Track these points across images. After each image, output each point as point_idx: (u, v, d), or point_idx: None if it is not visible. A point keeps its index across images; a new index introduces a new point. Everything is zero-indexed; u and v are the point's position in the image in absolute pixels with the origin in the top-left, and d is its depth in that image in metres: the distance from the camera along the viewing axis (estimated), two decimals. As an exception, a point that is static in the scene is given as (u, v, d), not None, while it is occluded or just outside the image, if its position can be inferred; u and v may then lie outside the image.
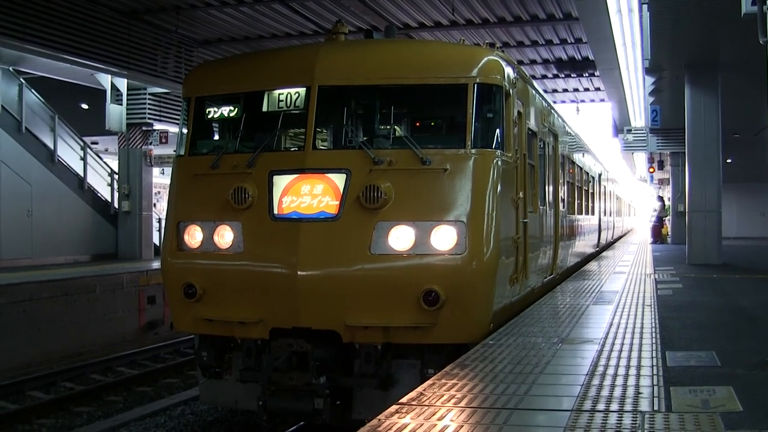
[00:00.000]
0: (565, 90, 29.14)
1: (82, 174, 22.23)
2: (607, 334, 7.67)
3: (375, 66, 8.06)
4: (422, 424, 4.49)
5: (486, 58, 8.04)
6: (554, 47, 22.56)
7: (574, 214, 15.09)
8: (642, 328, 8.11)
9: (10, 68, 19.96)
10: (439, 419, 4.59)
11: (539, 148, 10.55)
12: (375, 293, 7.31)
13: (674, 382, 5.58)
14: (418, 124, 8.46)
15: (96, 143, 26.43)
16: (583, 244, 17.13)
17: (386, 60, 8.18)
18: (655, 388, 5.37)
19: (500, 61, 8.18)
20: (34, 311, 14.39)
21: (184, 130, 8.56)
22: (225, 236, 7.81)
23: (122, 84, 21.40)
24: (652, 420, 4.54)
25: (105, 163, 24.05)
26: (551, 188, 11.78)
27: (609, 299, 10.59)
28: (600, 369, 6.00)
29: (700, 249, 18.81)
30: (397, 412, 4.77)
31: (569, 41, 21.90)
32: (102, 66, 18.60)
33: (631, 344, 7.11)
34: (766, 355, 6.59)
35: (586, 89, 29.06)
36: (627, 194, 48.56)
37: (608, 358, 6.42)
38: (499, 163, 7.78)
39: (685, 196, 21.06)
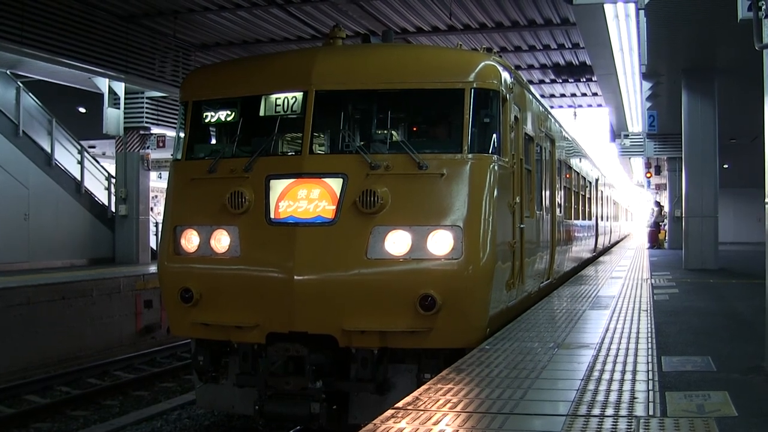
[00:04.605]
0: (563, 95, 29.19)
1: (79, 178, 22.20)
2: (603, 339, 7.69)
3: (372, 71, 8.08)
4: (418, 429, 4.49)
5: (483, 63, 8.06)
6: (552, 52, 22.60)
7: (570, 219, 15.11)
8: (638, 333, 8.12)
9: (8, 71, 19.95)
10: (435, 424, 4.60)
11: (536, 153, 10.57)
12: (371, 298, 7.31)
13: (670, 387, 5.60)
14: (415, 128, 8.48)
15: (93, 147, 26.43)
16: (580, 249, 17.14)
17: (383, 65, 8.19)
18: (651, 393, 5.38)
19: (497, 66, 8.19)
20: (31, 315, 14.37)
21: (182, 134, 8.56)
22: (222, 241, 7.82)
23: (120, 88, 21.38)
24: (648, 425, 4.56)
25: (102, 166, 24.02)
26: (548, 193, 11.80)
27: (605, 304, 10.60)
28: (596, 374, 6.01)
29: (696, 254, 18.83)
30: (392, 416, 4.77)
31: (567, 46, 21.94)
32: (100, 70, 18.59)
33: (627, 349, 7.12)
34: (761, 360, 6.61)
35: (584, 94, 29.10)
36: (624, 199, 48.60)
37: (604, 363, 6.43)
38: (496, 168, 7.80)
39: (682, 201, 21.09)
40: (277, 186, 7.59)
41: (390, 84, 7.92)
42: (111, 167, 23.88)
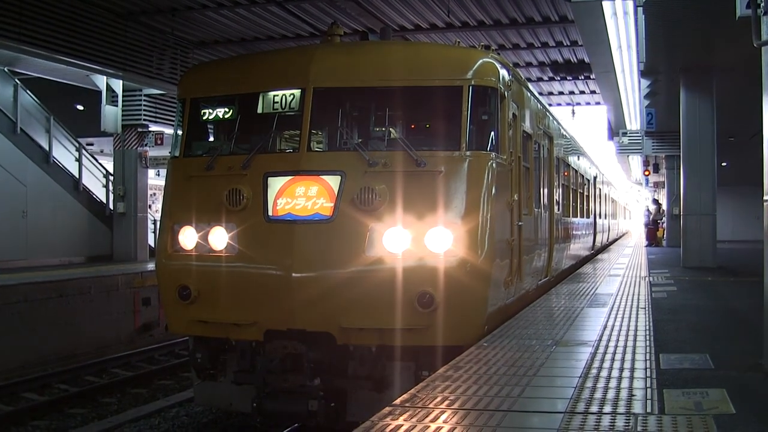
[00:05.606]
0: (561, 93, 29.19)
1: (77, 175, 22.18)
2: (602, 336, 7.69)
3: (370, 68, 8.07)
4: (415, 426, 4.49)
5: (481, 61, 8.05)
6: (550, 50, 22.60)
7: (569, 216, 15.11)
8: (636, 330, 8.12)
9: (6, 69, 19.92)
10: (433, 421, 4.59)
11: (534, 151, 10.56)
12: (369, 295, 7.31)
13: (667, 385, 5.59)
14: (413, 126, 8.47)
15: (91, 144, 26.38)
16: (578, 247, 17.15)
17: (381, 62, 8.18)
18: (649, 390, 5.38)
19: (495, 63, 8.19)
20: (29, 312, 14.35)
21: (179, 132, 8.56)
22: (220, 238, 7.81)
23: (118, 85, 21.37)
24: (645, 422, 4.55)
25: (100, 164, 24.00)
26: (546, 191, 11.79)
27: (603, 302, 10.60)
28: (594, 371, 6.01)
29: (694, 252, 18.81)
30: (390, 413, 4.77)
31: (565, 44, 21.93)
32: (98, 67, 18.58)
33: (625, 347, 7.13)
34: (759, 357, 6.60)
35: (582, 92, 29.11)
36: (622, 197, 48.61)
37: (602, 361, 6.43)
38: (494, 165, 7.79)
39: (680, 199, 21.09)
40: (275, 183, 7.59)
41: (388, 81, 7.92)
42: (109, 164, 23.87)
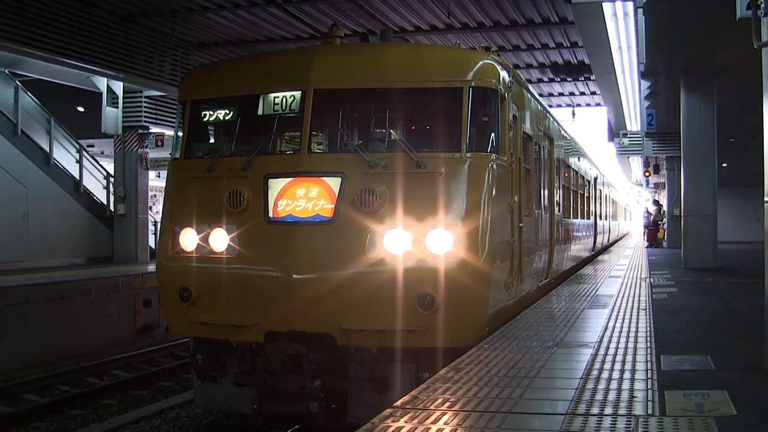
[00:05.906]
0: (561, 94, 29.19)
1: (77, 177, 22.20)
2: (602, 338, 7.69)
3: (370, 69, 8.07)
4: (416, 428, 4.49)
5: (481, 62, 8.05)
6: (550, 51, 22.61)
7: (569, 218, 15.10)
8: (637, 331, 8.12)
9: (6, 71, 19.94)
10: (433, 422, 4.59)
11: (534, 152, 10.56)
12: (370, 297, 7.31)
13: (669, 386, 5.59)
14: (413, 127, 8.47)
15: (92, 146, 26.43)
16: (579, 248, 17.14)
17: (382, 63, 8.18)
18: (650, 392, 5.38)
19: (495, 64, 8.19)
20: (29, 314, 14.36)
21: (180, 133, 8.56)
22: (220, 239, 7.81)
23: (118, 87, 21.39)
24: (646, 424, 4.55)
25: (101, 165, 24.01)
26: (546, 192, 11.78)
27: (604, 303, 10.60)
28: (594, 373, 6.01)
29: (695, 253, 18.80)
30: (391, 415, 4.77)
31: (565, 45, 21.94)
32: (98, 69, 18.60)
33: (626, 348, 7.12)
34: (760, 359, 6.60)
35: (582, 93, 29.12)
36: (623, 198, 48.58)
37: (603, 362, 6.43)
38: (494, 166, 7.79)
39: (680, 200, 21.08)
40: (276, 185, 7.59)
41: (388, 83, 7.92)
42: (110, 166, 23.88)
